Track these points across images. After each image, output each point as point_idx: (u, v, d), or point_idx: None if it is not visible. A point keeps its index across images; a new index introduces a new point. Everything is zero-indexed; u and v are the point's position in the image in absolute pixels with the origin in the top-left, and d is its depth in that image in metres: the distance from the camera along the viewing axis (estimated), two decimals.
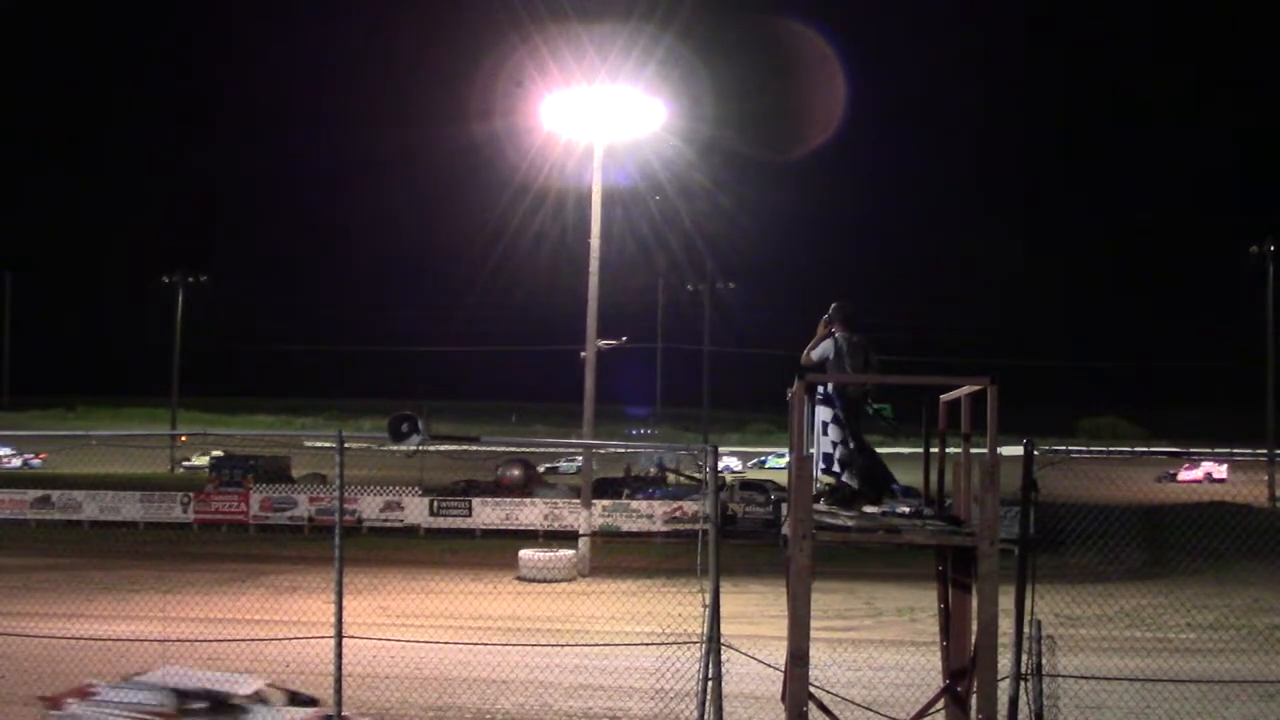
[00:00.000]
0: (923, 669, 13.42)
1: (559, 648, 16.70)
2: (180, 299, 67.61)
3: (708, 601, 9.70)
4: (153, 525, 38.46)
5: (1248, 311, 57.12)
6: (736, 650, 10.69)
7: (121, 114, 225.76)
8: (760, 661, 11.54)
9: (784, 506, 9.60)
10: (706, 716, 9.70)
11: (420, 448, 10.84)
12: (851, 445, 9.33)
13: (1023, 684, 9.62)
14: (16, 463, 64.80)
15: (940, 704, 9.51)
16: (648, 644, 12.55)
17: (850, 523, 8.90)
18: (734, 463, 73.60)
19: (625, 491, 42.70)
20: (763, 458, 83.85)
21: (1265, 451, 49.37)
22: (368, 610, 19.02)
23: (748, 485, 42.20)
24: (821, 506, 9.08)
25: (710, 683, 9.65)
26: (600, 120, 31.75)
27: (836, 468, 9.30)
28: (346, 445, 10.57)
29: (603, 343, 32.08)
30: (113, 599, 22.88)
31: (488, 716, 12.95)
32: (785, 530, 9.23)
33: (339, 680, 10.32)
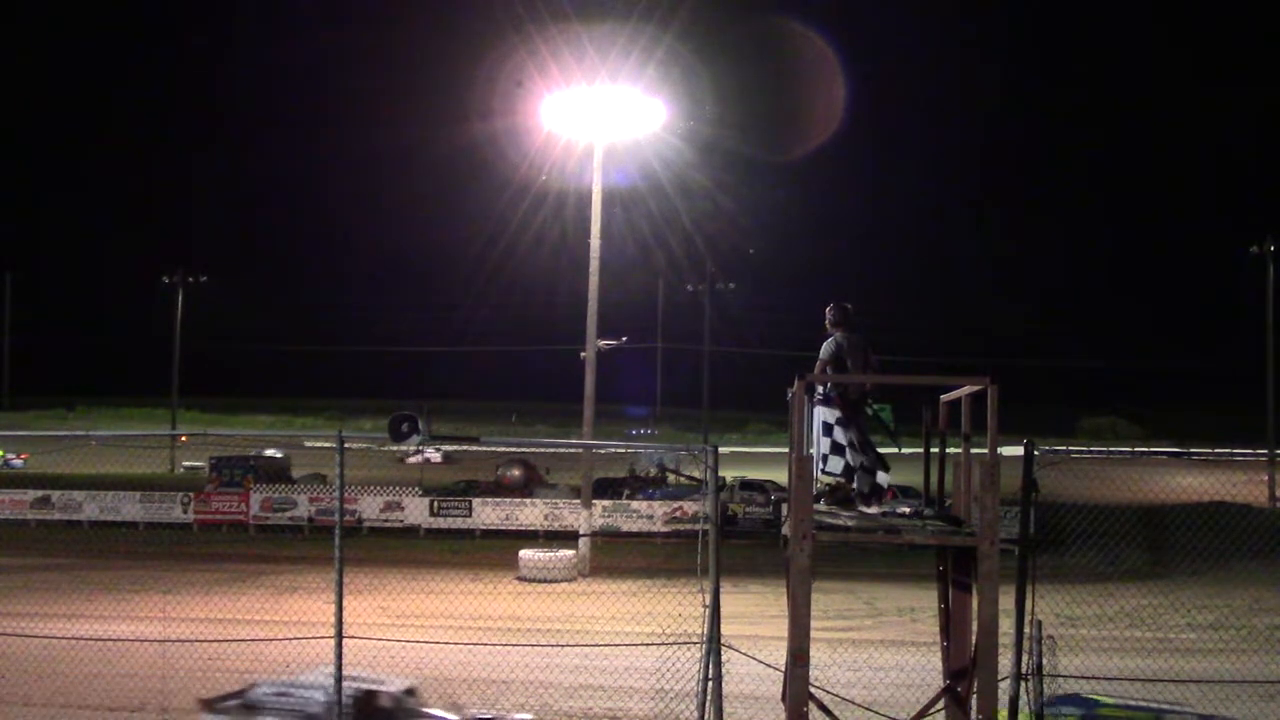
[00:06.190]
0: (923, 669, 13.42)
1: (559, 648, 16.71)
2: (180, 299, 67.58)
3: (708, 602, 9.69)
4: (153, 525, 38.43)
5: (1248, 311, 57.13)
6: (736, 650, 10.69)
7: (121, 113, 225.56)
8: (760, 661, 11.54)
9: (784, 506, 9.64)
10: (706, 717, 9.69)
11: (420, 447, 10.87)
12: (859, 450, 9.33)
13: (1023, 684, 9.62)
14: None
15: (940, 704, 9.50)
16: (648, 644, 12.55)
17: (850, 523, 8.91)
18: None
19: (625, 492, 42.69)
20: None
21: (1265, 451, 49.36)
22: (368, 610, 19.00)
23: (748, 485, 42.20)
24: (821, 506, 9.08)
25: (710, 683, 9.65)
26: (600, 120, 31.75)
27: (842, 473, 9.31)
28: (346, 445, 10.57)
29: (603, 343, 32.09)
30: (113, 599, 22.88)
31: None
32: (785, 530, 9.24)
33: (339, 680, 10.31)
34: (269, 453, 53.50)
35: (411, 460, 65.13)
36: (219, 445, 58.13)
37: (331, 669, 10.38)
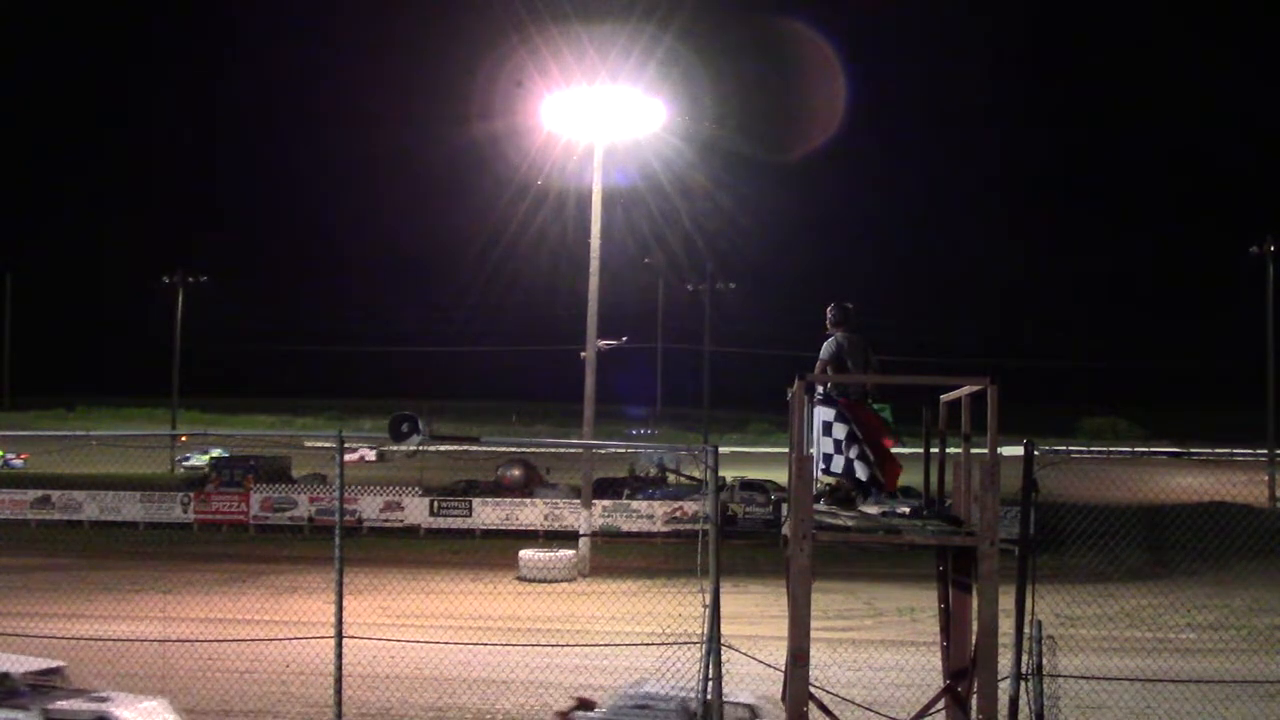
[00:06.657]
0: (923, 669, 13.42)
1: (559, 648, 16.71)
2: (180, 299, 67.56)
3: (708, 601, 9.69)
4: (153, 525, 38.43)
5: (1248, 311, 57.13)
6: (736, 650, 10.69)
7: (121, 113, 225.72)
8: (760, 661, 11.54)
9: (784, 506, 9.64)
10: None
11: (420, 448, 10.87)
12: (860, 438, 9.31)
13: (1023, 684, 9.62)
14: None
15: (940, 704, 9.50)
16: (648, 644, 12.54)
17: (850, 523, 8.89)
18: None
19: (625, 492, 42.67)
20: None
21: (1265, 451, 49.35)
22: (368, 610, 19.02)
23: (748, 485, 42.18)
24: (821, 506, 9.07)
25: (710, 683, 9.65)
26: (600, 120, 31.76)
27: (843, 471, 9.28)
28: (346, 445, 10.57)
29: (603, 343, 32.11)
30: (113, 599, 22.89)
31: (488, 716, 12.95)
32: (785, 530, 9.23)
33: (339, 680, 10.32)
34: (215, 452, 53.84)
35: (349, 459, 66.27)
36: (218, 446, 58.16)
37: (652, 682, 10.50)
